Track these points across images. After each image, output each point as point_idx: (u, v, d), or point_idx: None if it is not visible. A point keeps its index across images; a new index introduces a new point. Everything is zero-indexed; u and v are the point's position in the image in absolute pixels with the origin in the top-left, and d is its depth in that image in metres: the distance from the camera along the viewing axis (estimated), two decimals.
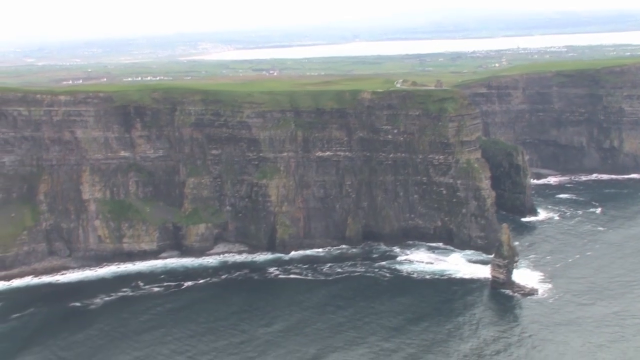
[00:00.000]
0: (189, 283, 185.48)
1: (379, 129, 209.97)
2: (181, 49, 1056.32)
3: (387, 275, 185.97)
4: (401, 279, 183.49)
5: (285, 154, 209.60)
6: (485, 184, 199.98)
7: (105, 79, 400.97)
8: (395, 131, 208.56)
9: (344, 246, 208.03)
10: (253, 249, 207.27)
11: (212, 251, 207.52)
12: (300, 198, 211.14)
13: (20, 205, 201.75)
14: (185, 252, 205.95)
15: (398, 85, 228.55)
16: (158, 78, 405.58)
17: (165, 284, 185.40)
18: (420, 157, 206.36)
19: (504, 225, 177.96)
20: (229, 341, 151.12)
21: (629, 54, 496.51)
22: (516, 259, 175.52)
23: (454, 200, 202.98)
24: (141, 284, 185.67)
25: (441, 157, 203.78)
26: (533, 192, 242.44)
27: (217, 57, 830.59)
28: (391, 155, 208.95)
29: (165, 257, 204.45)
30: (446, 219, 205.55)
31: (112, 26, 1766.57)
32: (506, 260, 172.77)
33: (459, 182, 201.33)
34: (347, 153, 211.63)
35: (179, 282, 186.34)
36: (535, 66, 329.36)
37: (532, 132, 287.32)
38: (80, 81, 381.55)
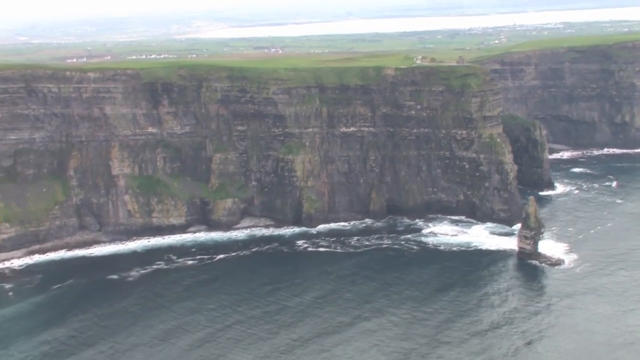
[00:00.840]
0: (221, 256, 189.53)
1: (402, 104, 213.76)
2: (176, 27, 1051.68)
3: (414, 247, 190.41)
4: (428, 250, 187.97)
5: (310, 129, 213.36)
6: (508, 158, 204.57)
7: (109, 57, 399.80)
8: (419, 107, 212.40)
9: (368, 220, 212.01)
10: (279, 223, 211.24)
11: (238, 225, 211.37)
12: (325, 173, 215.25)
13: (51, 180, 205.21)
14: (212, 226, 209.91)
15: (418, 62, 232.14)
16: (162, 56, 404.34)
17: (197, 257, 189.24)
18: (443, 132, 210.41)
19: (531, 197, 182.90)
20: (263, 310, 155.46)
21: (626, 29, 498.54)
22: (542, 230, 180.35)
23: (477, 174, 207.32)
24: (174, 257, 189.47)
25: (464, 132, 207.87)
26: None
27: (213, 35, 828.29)
28: (414, 131, 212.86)
29: (194, 231, 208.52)
30: (468, 192, 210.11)
31: (103, 4, 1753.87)
32: (533, 232, 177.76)
33: (481, 156, 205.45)
34: (371, 129, 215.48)
35: (210, 255, 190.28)
36: (547, 42, 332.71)
37: (544, 108, 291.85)
38: (85, 59, 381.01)
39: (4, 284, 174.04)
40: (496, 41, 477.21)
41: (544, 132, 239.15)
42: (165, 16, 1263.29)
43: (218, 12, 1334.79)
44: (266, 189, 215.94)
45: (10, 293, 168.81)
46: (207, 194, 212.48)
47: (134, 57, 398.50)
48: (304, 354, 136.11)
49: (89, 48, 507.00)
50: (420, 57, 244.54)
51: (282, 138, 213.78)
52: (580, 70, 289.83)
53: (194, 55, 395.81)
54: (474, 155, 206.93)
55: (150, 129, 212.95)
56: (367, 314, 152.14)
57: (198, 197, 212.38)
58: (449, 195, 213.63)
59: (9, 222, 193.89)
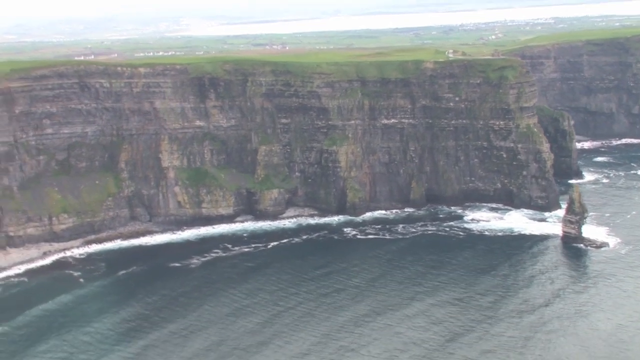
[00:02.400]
0: (274, 243, 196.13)
1: (441, 97, 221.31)
2: (164, 25, 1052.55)
3: (460, 233, 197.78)
4: (474, 236, 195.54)
5: (353, 121, 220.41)
6: (546, 147, 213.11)
7: (115, 55, 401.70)
8: (457, 99, 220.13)
9: (408, 209, 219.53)
10: (323, 213, 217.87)
11: (284, 215, 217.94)
12: (367, 163, 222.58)
13: (103, 173, 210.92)
14: (258, 216, 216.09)
15: (450, 56, 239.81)
16: (170, 53, 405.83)
17: (252, 245, 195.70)
18: (481, 123, 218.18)
19: (575, 184, 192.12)
20: (322, 292, 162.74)
21: (618, 24, 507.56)
22: (585, 215, 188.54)
23: (514, 163, 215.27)
24: (229, 245, 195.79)
25: (502, 122, 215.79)
26: None
27: (205, 32, 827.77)
28: (453, 122, 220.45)
29: (242, 221, 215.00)
30: (506, 181, 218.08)
31: (88, 2, 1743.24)
32: (577, 217, 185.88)
33: (519, 146, 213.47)
34: (410, 120, 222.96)
35: (263, 243, 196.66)
36: (566, 36, 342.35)
37: (563, 100, 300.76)
38: (92, 57, 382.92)
39: (72, 271, 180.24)
40: (492, 36, 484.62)
41: (572, 122, 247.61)
42: (152, 14, 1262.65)
43: (206, 10, 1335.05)
44: (309, 180, 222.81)
45: (81, 280, 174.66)
46: (253, 184, 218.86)
47: (141, 54, 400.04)
48: (373, 329, 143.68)
49: (89, 46, 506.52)
50: (451, 51, 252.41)
51: (325, 130, 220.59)
52: (598, 63, 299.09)
53: (201, 53, 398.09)
54: (512, 144, 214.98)
55: (197, 122, 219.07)
56: (422, 294, 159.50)
57: (244, 188, 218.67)
58: (486, 183, 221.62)
59: (67, 213, 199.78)
